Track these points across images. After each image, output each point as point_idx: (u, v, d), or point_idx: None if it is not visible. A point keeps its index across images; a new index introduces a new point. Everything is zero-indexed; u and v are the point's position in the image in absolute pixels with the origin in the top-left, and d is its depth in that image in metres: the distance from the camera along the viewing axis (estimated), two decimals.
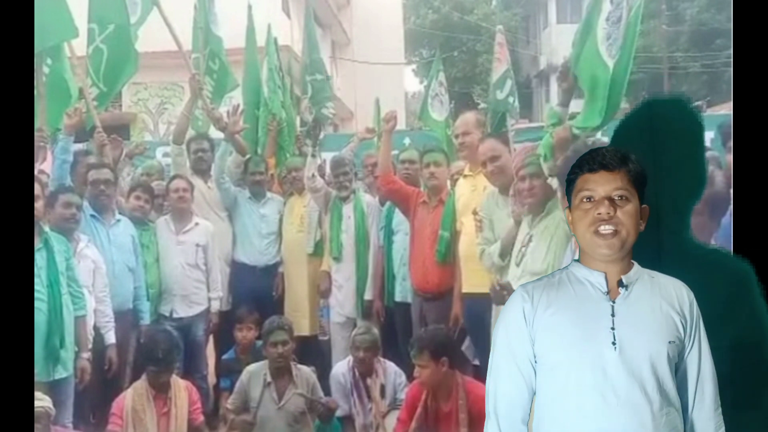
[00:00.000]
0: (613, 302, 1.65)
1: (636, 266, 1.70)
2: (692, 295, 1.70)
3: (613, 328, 1.62)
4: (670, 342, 1.63)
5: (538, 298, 1.70)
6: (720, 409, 1.69)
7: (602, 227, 1.63)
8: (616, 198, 1.64)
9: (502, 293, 3.32)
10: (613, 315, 1.64)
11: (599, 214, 1.63)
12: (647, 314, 1.64)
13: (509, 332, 1.74)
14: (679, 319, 1.65)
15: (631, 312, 1.64)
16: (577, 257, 1.76)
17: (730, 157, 2.39)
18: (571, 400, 1.63)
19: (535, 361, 1.70)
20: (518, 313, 1.71)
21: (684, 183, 2.09)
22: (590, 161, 1.68)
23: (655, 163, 1.96)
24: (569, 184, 1.73)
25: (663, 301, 1.67)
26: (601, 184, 1.65)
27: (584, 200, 1.67)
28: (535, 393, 1.72)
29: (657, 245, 1.98)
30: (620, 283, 1.66)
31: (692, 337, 1.67)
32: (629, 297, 1.66)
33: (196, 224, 4.55)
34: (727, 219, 3.05)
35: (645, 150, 1.95)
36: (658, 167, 1.96)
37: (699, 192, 2.16)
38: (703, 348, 1.69)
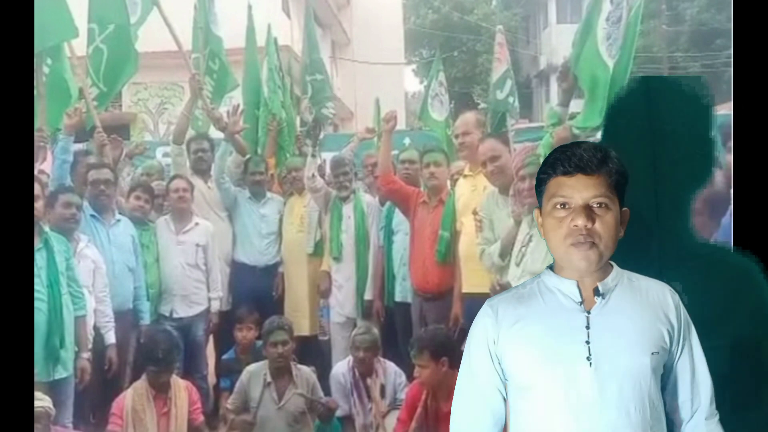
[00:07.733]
0: (588, 313, 1.48)
1: (615, 270, 1.53)
2: (677, 298, 1.54)
3: (588, 342, 1.45)
4: (653, 353, 1.46)
5: (503, 313, 1.53)
6: (717, 416, 1.56)
7: (578, 239, 1.45)
8: (595, 206, 1.45)
9: None
10: (588, 327, 1.47)
11: (576, 226, 1.44)
12: (627, 324, 1.48)
13: (471, 353, 1.59)
14: (665, 328, 1.50)
15: (608, 323, 1.47)
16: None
17: (730, 157, 2.38)
18: (543, 422, 1.48)
19: (505, 380, 1.55)
20: (480, 332, 1.56)
21: (686, 177, 2.06)
22: (565, 162, 1.47)
23: (655, 162, 1.96)
24: (540, 184, 1.53)
25: (645, 309, 1.50)
26: (578, 191, 1.45)
27: (558, 206, 1.47)
28: (506, 413, 1.57)
29: (657, 244, 1.97)
30: (596, 292, 1.49)
31: (681, 343, 1.52)
32: (606, 306, 1.49)
33: (196, 224, 4.55)
34: (727, 219, 3.05)
35: (645, 148, 1.95)
36: (659, 166, 1.95)
37: (703, 181, 2.09)
38: (695, 351, 1.54)
